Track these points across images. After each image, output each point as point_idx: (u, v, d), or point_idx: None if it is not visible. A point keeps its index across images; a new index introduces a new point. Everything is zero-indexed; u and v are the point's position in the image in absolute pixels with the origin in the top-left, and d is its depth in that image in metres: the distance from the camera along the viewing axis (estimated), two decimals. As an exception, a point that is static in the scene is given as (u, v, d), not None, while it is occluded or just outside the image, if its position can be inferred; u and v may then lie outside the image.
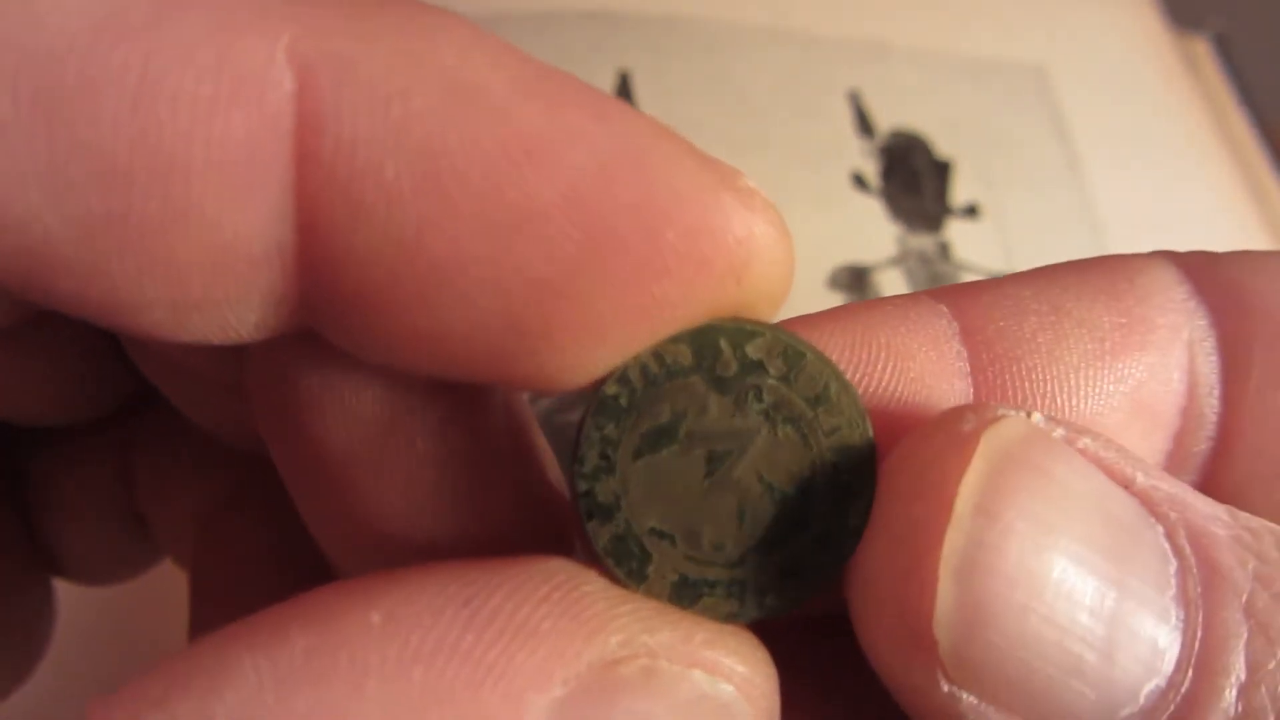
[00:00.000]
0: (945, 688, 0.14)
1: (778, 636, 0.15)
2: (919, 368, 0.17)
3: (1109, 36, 0.51)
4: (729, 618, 0.15)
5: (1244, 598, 0.14)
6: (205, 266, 0.13)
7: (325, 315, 0.14)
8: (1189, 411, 0.18)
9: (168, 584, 0.27)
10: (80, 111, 0.12)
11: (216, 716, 0.12)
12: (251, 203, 0.13)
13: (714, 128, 0.44)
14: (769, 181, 0.43)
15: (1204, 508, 0.15)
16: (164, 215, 0.12)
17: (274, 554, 0.24)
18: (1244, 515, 0.15)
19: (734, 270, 0.14)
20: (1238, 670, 0.14)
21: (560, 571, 0.14)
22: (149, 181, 0.12)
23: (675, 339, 0.14)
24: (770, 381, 0.15)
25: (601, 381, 0.14)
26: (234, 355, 0.19)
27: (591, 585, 0.14)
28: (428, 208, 0.13)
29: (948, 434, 0.15)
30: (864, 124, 0.45)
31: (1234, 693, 0.14)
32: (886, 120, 0.45)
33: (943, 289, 0.18)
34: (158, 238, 0.12)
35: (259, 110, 0.12)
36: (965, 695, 0.14)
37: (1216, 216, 0.46)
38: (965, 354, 0.17)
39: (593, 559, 0.15)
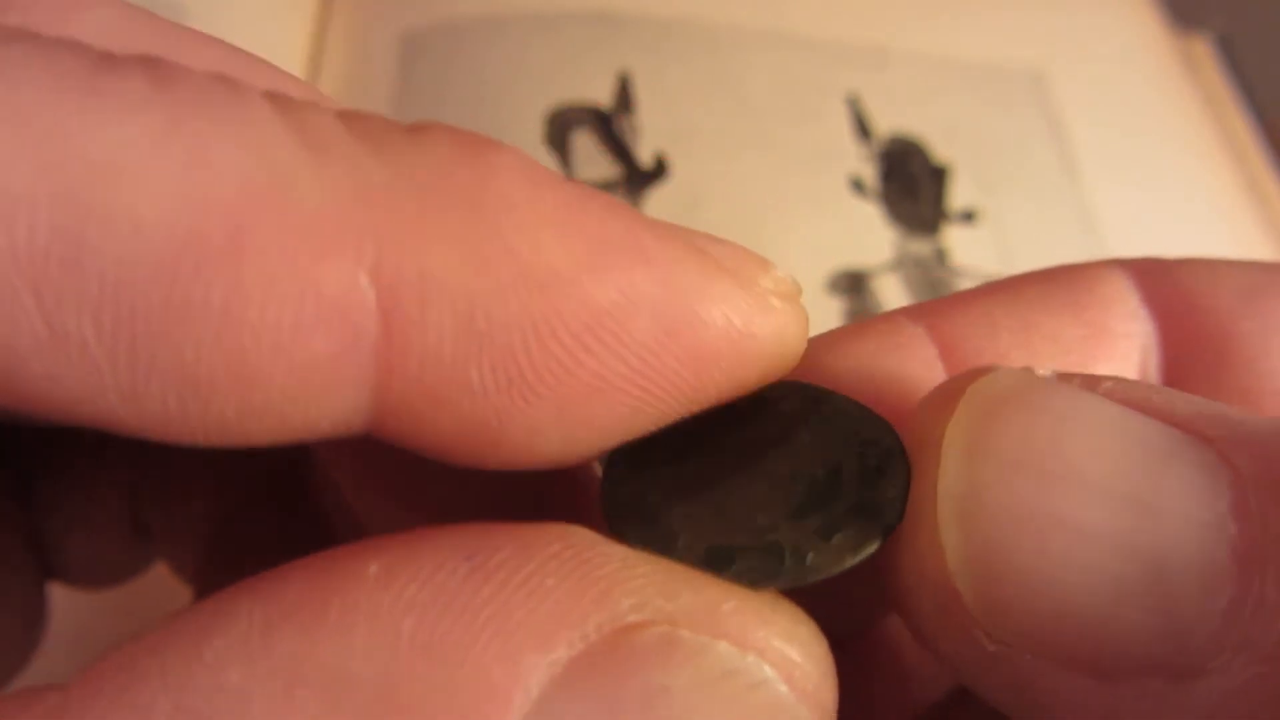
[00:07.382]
0: (990, 647, 0.13)
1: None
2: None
3: (1108, 39, 0.50)
4: (768, 580, 0.14)
5: None
6: (273, 439, 0.13)
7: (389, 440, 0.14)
8: None
9: (160, 587, 0.27)
10: (162, 339, 0.12)
11: (204, 658, 0.12)
12: (328, 404, 0.13)
13: (713, 129, 0.44)
14: (767, 184, 0.43)
15: (1253, 422, 0.14)
16: (240, 415, 0.13)
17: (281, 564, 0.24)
18: None
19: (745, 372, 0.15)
20: None
21: (576, 533, 0.13)
22: (227, 393, 0.12)
23: None
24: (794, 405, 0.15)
25: None
26: None
27: (608, 546, 0.13)
28: (509, 401, 0.13)
29: (941, 391, 0.15)
30: (862, 128, 0.45)
31: None
32: (885, 125, 0.45)
33: (918, 307, 0.19)
34: (233, 429, 0.13)
35: (341, 332, 0.12)
36: (1009, 649, 0.13)
37: (1217, 219, 0.46)
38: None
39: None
